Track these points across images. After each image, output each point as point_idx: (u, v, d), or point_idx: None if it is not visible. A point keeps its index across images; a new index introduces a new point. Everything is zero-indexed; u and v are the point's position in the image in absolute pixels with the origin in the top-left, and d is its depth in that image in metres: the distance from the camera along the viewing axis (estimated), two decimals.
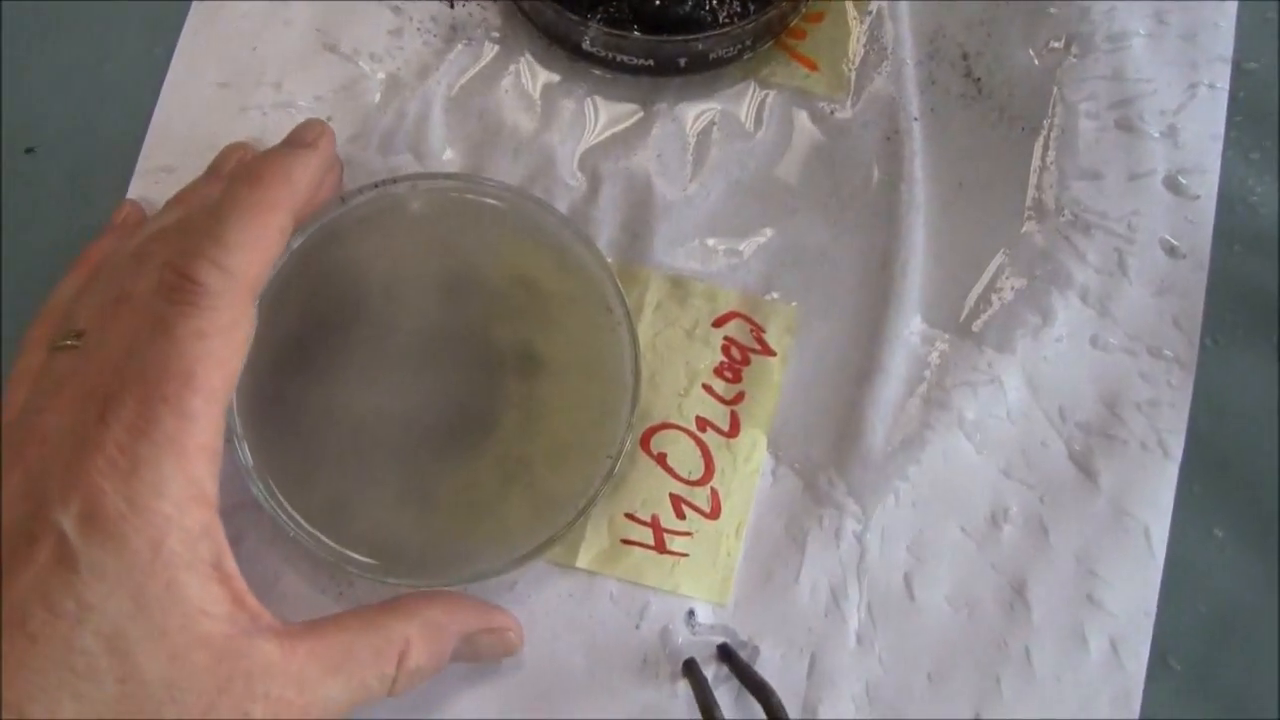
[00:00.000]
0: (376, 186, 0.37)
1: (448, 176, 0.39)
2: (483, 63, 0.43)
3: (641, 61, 0.41)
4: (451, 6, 0.43)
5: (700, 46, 0.41)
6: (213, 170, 0.39)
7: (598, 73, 0.42)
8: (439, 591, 0.35)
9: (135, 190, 0.41)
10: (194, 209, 0.36)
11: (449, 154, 0.41)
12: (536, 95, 0.42)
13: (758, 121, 0.41)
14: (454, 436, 0.36)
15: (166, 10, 0.43)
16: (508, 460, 0.36)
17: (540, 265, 0.38)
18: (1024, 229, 0.41)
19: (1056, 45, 0.43)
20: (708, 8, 0.41)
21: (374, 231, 0.38)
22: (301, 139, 0.35)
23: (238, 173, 0.34)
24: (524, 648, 0.36)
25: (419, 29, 0.42)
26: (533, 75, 0.42)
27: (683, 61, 0.41)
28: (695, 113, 0.42)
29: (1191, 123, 0.42)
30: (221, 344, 0.29)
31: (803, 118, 0.42)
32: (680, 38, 0.40)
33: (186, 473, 0.28)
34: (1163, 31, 0.43)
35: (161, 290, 0.29)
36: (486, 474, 0.36)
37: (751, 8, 0.41)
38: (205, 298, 0.29)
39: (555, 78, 0.42)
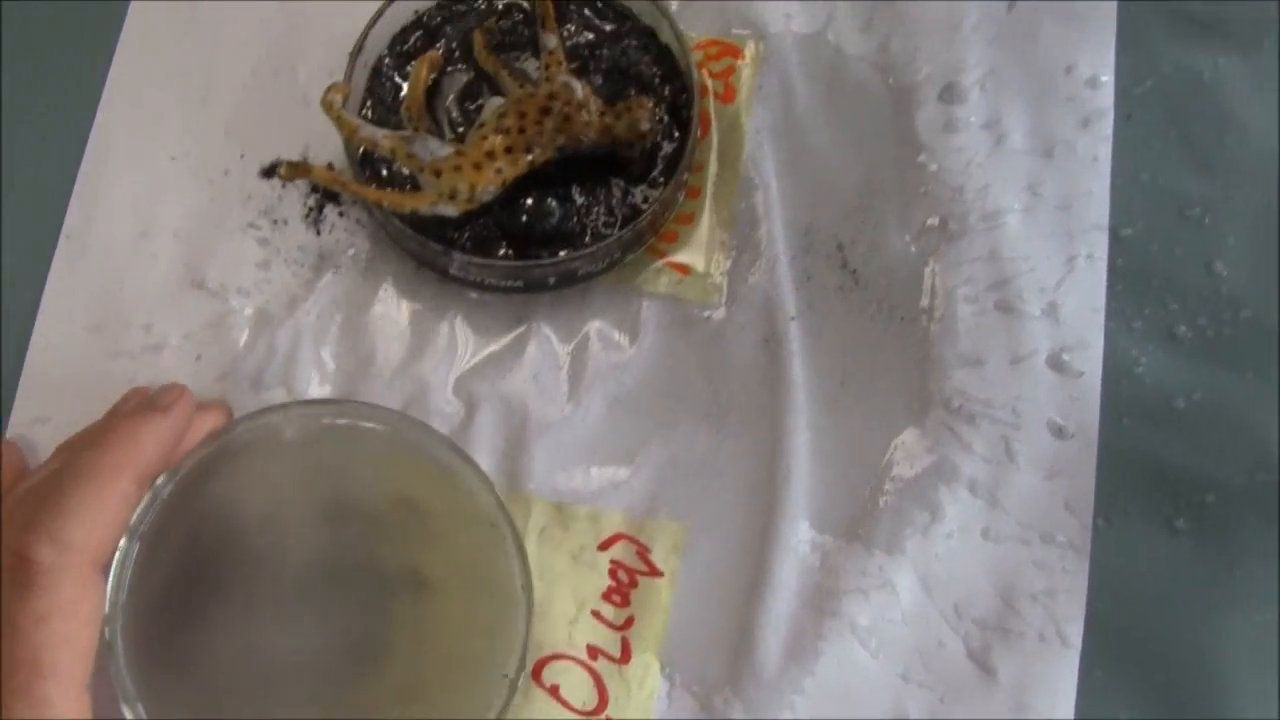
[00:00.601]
0: (250, 418, 0.37)
1: (322, 403, 0.39)
2: (352, 291, 0.44)
3: (511, 283, 0.42)
4: (319, 234, 0.44)
5: (568, 266, 0.41)
6: (112, 414, 0.40)
7: (469, 294, 0.42)
8: None
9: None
10: (47, 475, 0.36)
11: (322, 386, 0.42)
12: (406, 321, 0.43)
13: (633, 333, 0.42)
14: (350, 666, 0.37)
15: (34, 245, 0.43)
16: (404, 686, 0.37)
17: (421, 485, 0.39)
18: (909, 423, 0.42)
19: (932, 227, 0.43)
20: (576, 219, 0.42)
21: (251, 463, 0.39)
22: (156, 402, 0.36)
23: (82, 439, 0.35)
24: None
25: (286, 260, 0.43)
26: (402, 301, 0.43)
27: (552, 280, 0.42)
28: (568, 329, 0.42)
29: (1072, 297, 0.43)
30: (64, 623, 0.30)
31: (678, 326, 0.43)
32: (548, 260, 0.41)
33: None
34: (1037, 204, 0.44)
35: (3, 574, 0.30)
36: (386, 701, 0.37)
37: (619, 214, 0.42)
38: (43, 576, 0.30)
39: (425, 302, 0.43)
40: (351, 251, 0.44)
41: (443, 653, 0.37)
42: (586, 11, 0.45)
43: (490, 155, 0.41)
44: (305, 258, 0.44)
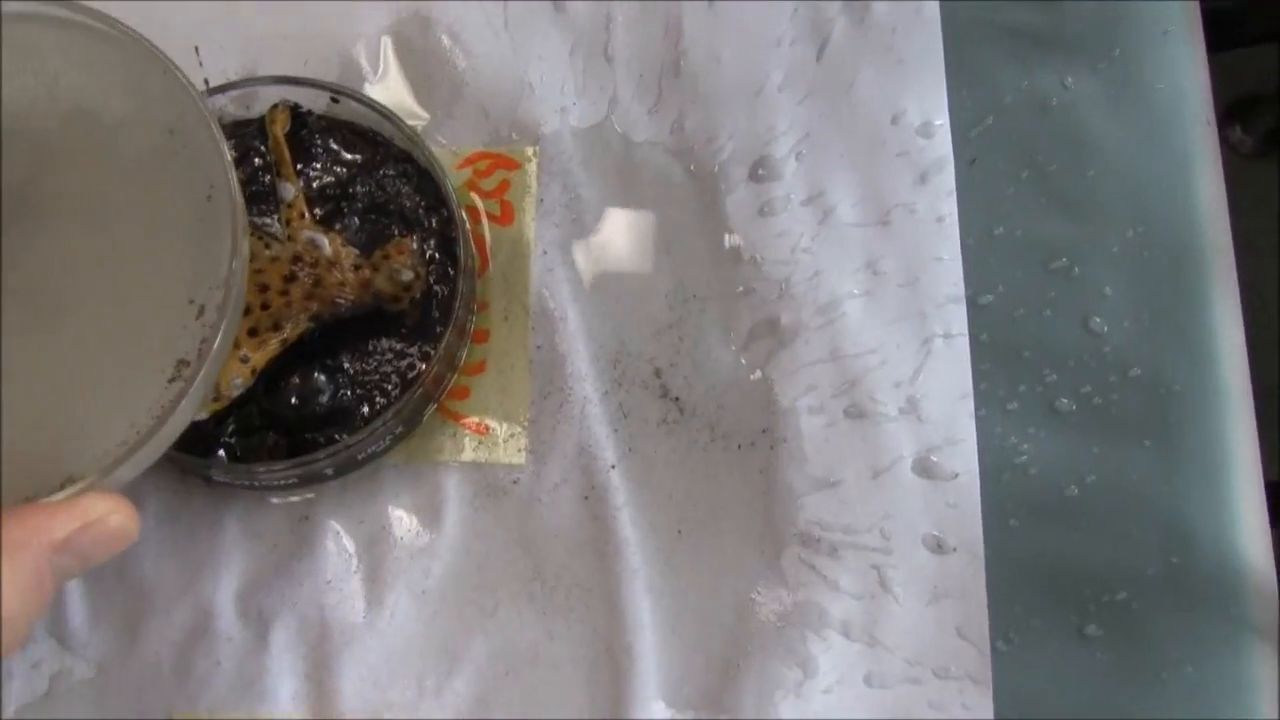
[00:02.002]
0: None
1: None
2: None
3: (285, 480, 0.38)
4: None
5: (344, 453, 0.37)
6: None
7: (241, 496, 0.39)
8: None
9: None
10: None
11: (94, 630, 0.38)
12: (177, 536, 0.39)
13: (433, 514, 0.40)
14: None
15: None
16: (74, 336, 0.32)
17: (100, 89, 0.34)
18: (762, 568, 0.40)
19: (760, 333, 0.40)
20: (351, 391, 0.39)
21: None
22: None
23: None
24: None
25: None
26: (170, 512, 0.41)
27: (330, 471, 0.38)
28: (359, 521, 0.40)
29: (933, 387, 0.41)
30: None
31: (484, 496, 0.40)
32: (323, 455, 0.37)
33: None
34: (879, 284, 0.40)
35: None
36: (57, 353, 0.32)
37: (394, 379, 0.38)
38: None
39: (195, 512, 0.41)
40: None
41: (109, 293, 0.33)
42: (333, 144, 0.41)
43: (234, 344, 0.37)
44: None
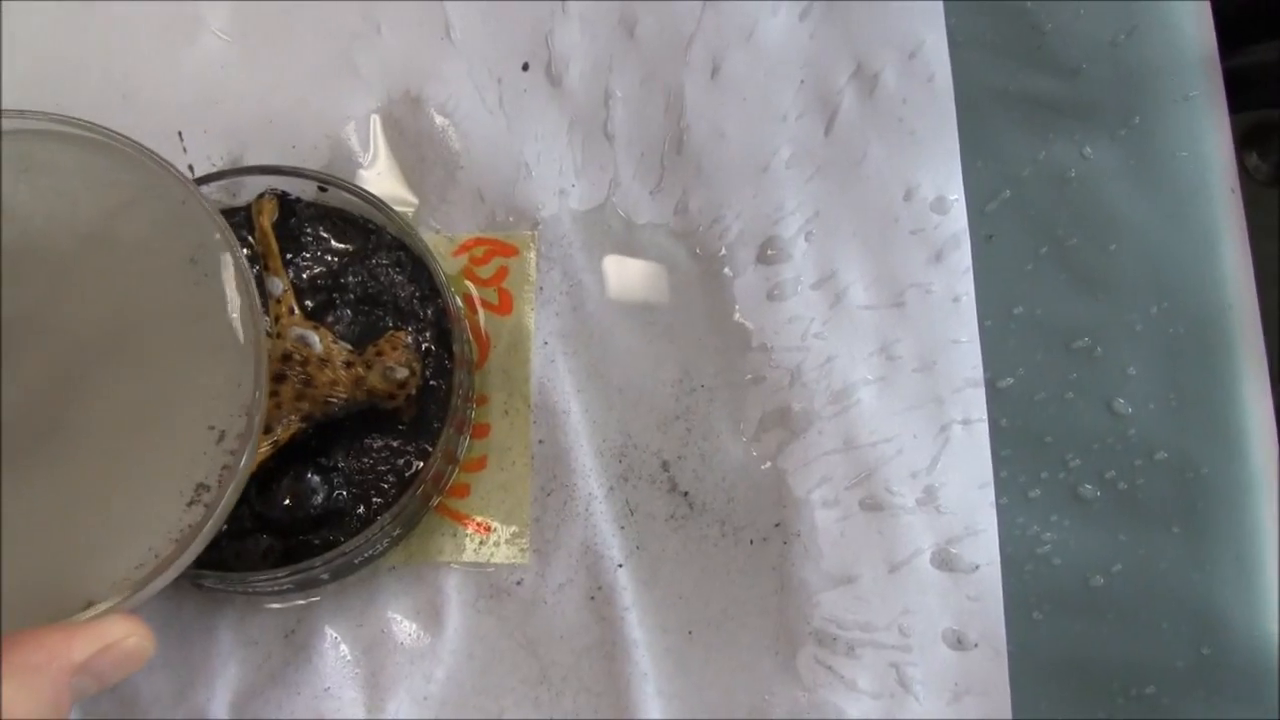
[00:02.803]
0: None
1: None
2: None
3: (279, 585, 0.37)
4: None
5: (340, 560, 0.36)
6: None
7: (235, 602, 0.38)
8: (18, 632, 0.30)
9: None
10: None
11: None
12: (169, 645, 0.39)
13: (434, 617, 0.38)
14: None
15: None
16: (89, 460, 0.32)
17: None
18: (776, 670, 0.39)
19: (771, 423, 0.39)
20: (346, 491, 0.37)
21: None
22: None
23: None
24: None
25: None
26: (162, 619, 0.40)
27: (326, 576, 0.37)
28: (357, 627, 0.38)
29: (951, 476, 0.40)
30: None
31: (486, 598, 0.39)
32: (319, 562, 0.36)
33: None
34: (893, 370, 0.39)
35: None
36: (73, 480, 0.32)
37: (391, 478, 0.37)
38: None
39: (187, 619, 0.40)
40: None
41: (126, 417, 0.32)
42: (323, 232, 0.40)
43: None
44: None
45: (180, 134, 0.42)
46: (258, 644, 0.39)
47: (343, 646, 0.39)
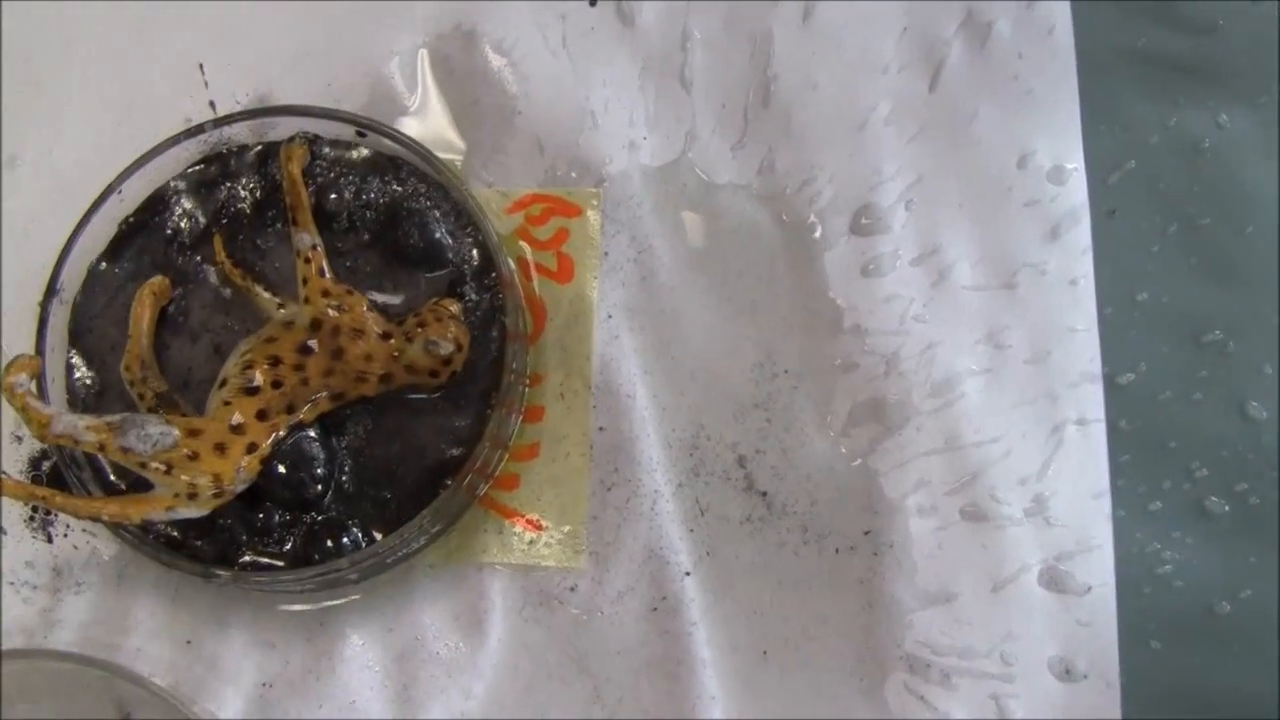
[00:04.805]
0: None
1: None
2: (102, 614, 0.36)
3: (304, 587, 0.33)
4: (50, 541, 0.37)
5: (372, 560, 0.33)
6: None
7: (252, 599, 0.35)
8: None
9: None
10: None
11: None
12: (177, 647, 0.35)
13: (476, 625, 0.36)
14: None
15: None
16: None
17: None
18: (860, 697, 0.35)
19: (862, 415, 0.36)
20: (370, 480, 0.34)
21: None
22: None
23: None
24: None
25: (11, 583, 0.36)
26: (170, 615, 0.36)
27: (355, 576, 0.33)
28: (388, 632, 0.36)
29: (1063, 484, 0.36)
30: None
31: (535, 605, 0.36)
32: (347, 563, 0.32)
33: None
34: (1002, 361, 0.36)
35: None
36: None
37: (421, 466, 0.33)
38: None
39: (198, 615, 0.36)
40: (95, 559, 0.36)
41: None
42: (358, 182, 0.36)
43: (238, 429, 0.32)
44: (37, 577, 0.37)
45: (201, 66, 0.38)
46: (275, 647, 0.35)
47: (371, 653, 0.35)
